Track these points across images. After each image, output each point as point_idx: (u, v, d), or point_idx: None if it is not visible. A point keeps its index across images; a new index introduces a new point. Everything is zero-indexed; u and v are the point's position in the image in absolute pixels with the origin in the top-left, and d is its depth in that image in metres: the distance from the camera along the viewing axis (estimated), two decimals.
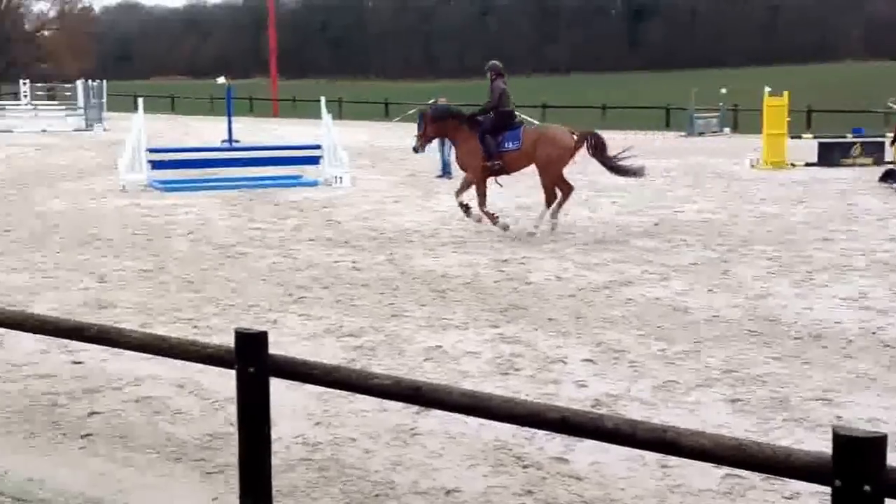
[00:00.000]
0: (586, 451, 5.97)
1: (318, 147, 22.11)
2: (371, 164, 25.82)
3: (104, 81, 45.61)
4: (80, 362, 8.11)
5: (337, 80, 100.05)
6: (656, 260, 12.57)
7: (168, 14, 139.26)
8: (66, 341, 8.12)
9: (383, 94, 61.00)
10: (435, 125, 14.73)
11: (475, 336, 8.96)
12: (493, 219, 14.23)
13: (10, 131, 38.01)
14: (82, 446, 6.38)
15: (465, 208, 14.21)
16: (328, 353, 8.20)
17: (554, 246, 13.61)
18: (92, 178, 22.05)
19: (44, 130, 38.76)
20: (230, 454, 6.09)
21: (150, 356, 7.25)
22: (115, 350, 7.51)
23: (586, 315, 9.72)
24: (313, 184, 20.83)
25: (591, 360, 8.16)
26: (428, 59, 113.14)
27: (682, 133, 37.38)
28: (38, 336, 7.84)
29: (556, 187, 14.30)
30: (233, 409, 6.79)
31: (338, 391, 6.44)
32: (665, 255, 12.82)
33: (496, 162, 14.09)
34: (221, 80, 28.91)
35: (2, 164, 24.91)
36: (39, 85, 54.74)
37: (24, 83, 47.79)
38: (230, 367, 4.62)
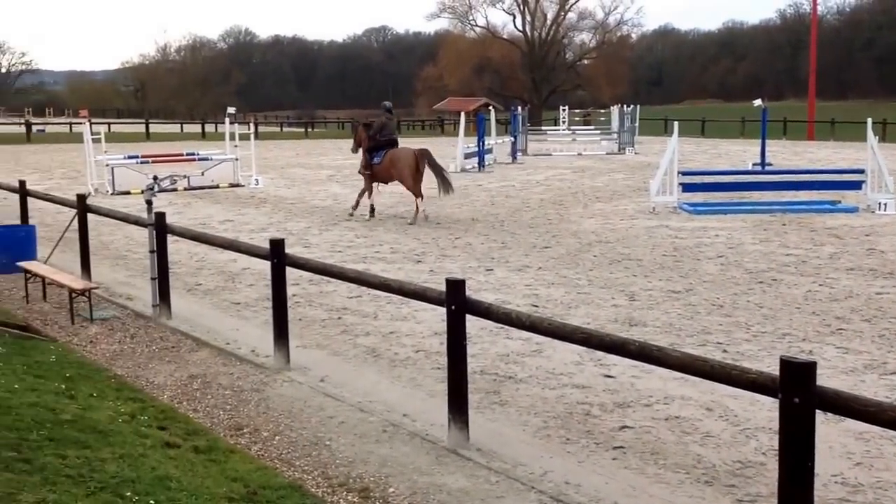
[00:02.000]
0: None
1: (860, 171, 20.74)
2: None
3: (637, 106, 47.06)
4: (611, 376, 8.30)
5: (881, 100, 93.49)
6: None
7: (702, 38, 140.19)
8: (598, 355, 8.42)
9: None
10: (358, 133, 19.86)
11: None
12: (355, 206, 19.73)
13: (550, 155, 40.67)
14: (614, 457, 6.51)
15: (372, 210, 19.50)
16: (868, 390, 7.56)
17: None
18: (623, 200, 22.76)
19: (579, 154, 40.92)
20: (763, 485, 5.85)
21: (678, 376, 7.30)
22: (646, 367, 7.65)
23: None
24: (852, 210, 19.57)
25: None
26: None
27: None
28: (572, 347, 8.24)
29: (415, 191, 18.87)
30: (766, 439, 6.56)
31: (882, 431, 5.91)
32: None
33: (367, 171, 19.25)
34: (758, 102, 28.33)
35: (542, 186, 26.64)
36: (577, 111, 58.09)
37: (563, 109, 50.86)
38: (773, 395, 4.40)
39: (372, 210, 19.43)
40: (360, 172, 19.85)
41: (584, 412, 7.42)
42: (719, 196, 21.19)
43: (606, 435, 6.91)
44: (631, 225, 18.20)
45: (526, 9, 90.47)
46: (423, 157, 18.69)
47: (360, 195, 19.65)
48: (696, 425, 7.06)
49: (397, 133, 20.39)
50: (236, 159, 26.50)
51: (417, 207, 18.84)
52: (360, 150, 19.45)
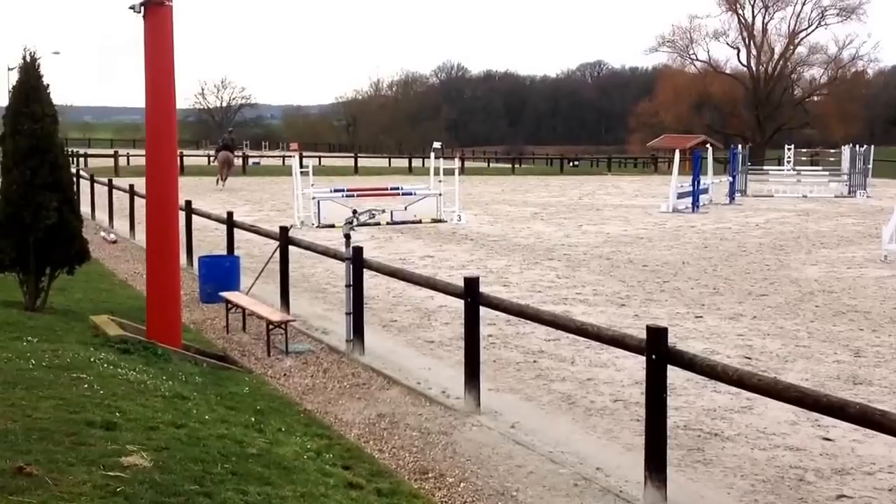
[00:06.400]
0: None
1: None
2: None
3: (871, 146, 44.36)
4: (830, 439, 7.64)
5: None
6: None
7: None
8: (815, 415, 7.71)
9: None
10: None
11: None
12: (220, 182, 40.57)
13: (771, 196, 38.96)
14: None
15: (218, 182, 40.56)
16: None
17: None
18: (851, 247, 21.35)
19: (804, 196, 38.99)
20: None
21: None
22: (868, 432, 6.91)
23: None
24: None
25: None
26: None
27: None
28: (787, 405, 7.56)
29: (223, 174, 40.16)
30: None
31: None
32: None
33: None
34: None
35: (760, 229, 25.45)
36: (803, 150, 55.46)
37: (788, 149, 48.71)
38: None
39: (218, 182, 40.14)
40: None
41: (797, 477, 6.86)
42: None
43: None
44: (859, 274, 16.98)
45: (752, 42, 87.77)
46: (230, 160, 40.25)
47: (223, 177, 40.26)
48: None
49: (230, 144, 41.75)
50: (440, 194, 26.68)
51: (223, 181, 39.86)
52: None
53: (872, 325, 12.28)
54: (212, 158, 45.74)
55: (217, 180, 40.67)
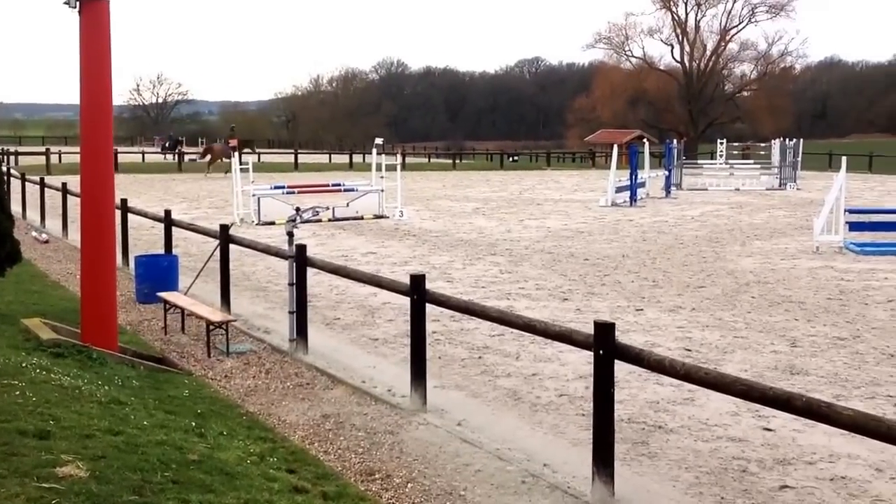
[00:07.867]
0: None
1: None
2: None
3: (800, 140, 45.24)
4: (771, 429, 7.72)
5: None
6: None
7: (871, 70, 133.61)
8: (756, 405, 7.78)
9: None
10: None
11: None
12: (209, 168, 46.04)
13: (705, 189, 39.45)
14: None
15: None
16: None
17: None
18: (783, 238, 21.70)
19: (737, 189, 39.56)
20: None
21: (846, 432, 6.62)
22: (808, 422, 7.00)
23: None
24: None
25: None
26: None
27: None
28: (728, 395, 7.63)
29: (214, 161, 45.28)
30: None
31: None
32: None
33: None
34: None
35: (696, 222, 25.74)
36: (735, 144, 56.29)
37: (721, 143, 49.44)
38: None
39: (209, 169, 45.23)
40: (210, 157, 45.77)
41: (740, 468, 6.92)
42: (889, 236, 19.88)
43: (765, 495, 6.40)
44: (792, 265, 17.24)
45: (685, 39, 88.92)
46: (222, 151, 44.54)
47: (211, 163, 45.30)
48: (864, 487, 6.51)
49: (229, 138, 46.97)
50: (381, 191, 26.56)
51: (211, 168, 44.98)
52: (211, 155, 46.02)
53: (807, 316, 12.48)
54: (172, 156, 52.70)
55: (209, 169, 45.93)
